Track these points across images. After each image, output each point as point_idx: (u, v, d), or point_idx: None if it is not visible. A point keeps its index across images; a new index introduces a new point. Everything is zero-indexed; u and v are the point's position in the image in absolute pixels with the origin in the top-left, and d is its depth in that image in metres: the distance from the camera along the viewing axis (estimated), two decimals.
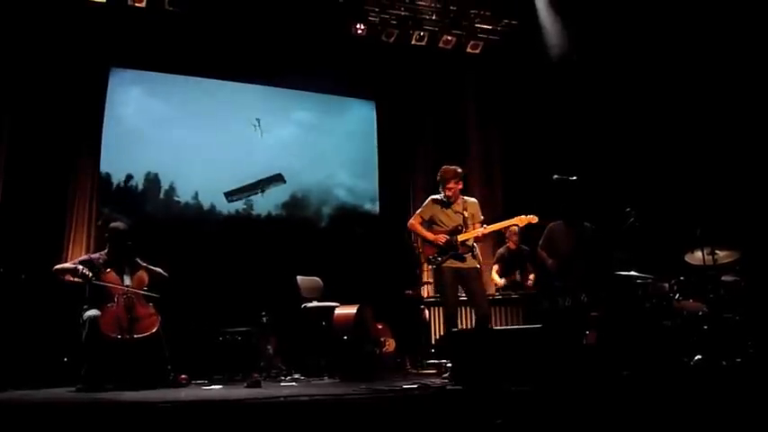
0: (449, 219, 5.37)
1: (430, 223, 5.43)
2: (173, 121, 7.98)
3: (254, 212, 8.09)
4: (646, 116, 7.35)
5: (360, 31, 8.08)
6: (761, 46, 6.49)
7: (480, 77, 8.88)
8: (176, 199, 7.85)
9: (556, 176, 5.67)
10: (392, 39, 8.22)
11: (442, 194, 5.40)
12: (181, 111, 8.05)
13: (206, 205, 7.96)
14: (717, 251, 5.63)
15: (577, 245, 5.92)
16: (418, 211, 5.53)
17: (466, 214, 5.33)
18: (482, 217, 5.41)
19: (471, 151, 8.74)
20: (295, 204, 8.35)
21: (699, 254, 5.67)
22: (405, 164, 8.92)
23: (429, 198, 5.53)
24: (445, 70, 8.75)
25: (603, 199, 6.57)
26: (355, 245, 8.46)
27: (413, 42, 8.29)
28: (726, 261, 5.74)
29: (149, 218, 7.60)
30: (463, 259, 5.27)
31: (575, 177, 5.63)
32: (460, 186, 5.40)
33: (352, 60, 8.45)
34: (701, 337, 5.25)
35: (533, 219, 5.34)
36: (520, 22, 8.29)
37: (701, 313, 5.47)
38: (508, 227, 6.49)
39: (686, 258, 5.88)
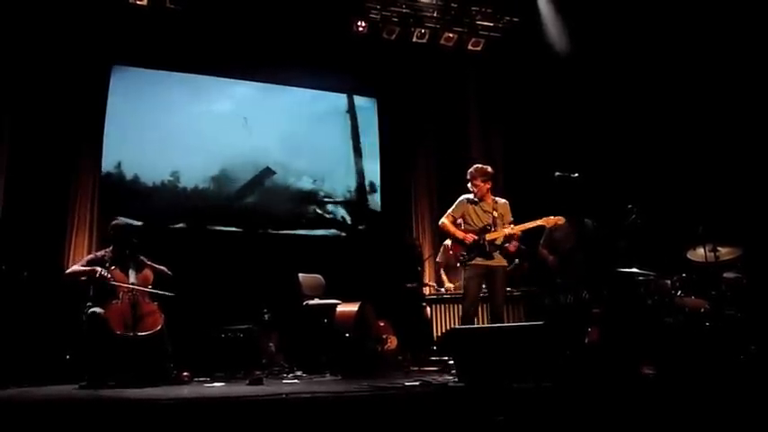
0: (478, 218, 5.49)
1: (461, 222, 5.53)
2: (172, 118, 7.97)
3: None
4: (648, 113, 7.34)
5: (361, 29, 8.07)
6: (761, 44, 6.47)
7: (481, 75, 8.86)
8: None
9: (557, 173, 5.67)
10: (393, 36, 8.21)
11: (473, 193, 5.52)
12: (180, 108, 8.04)
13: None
14: (719, 248, 5.63)
15: (578, 242, 5.92)
16: (450, 210, 5.62)
17: (495, 214, 5.45)
18: (512, 218, 5.52)
19: (472, 148, 8.73)
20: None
21: (701, 251, 5.67)
22: (406, 161, 8.92)
23: (460, 198, 5.62)
24: (446, 67, 8.74)
25: (605, 196, 6.56)
26: (357, 242, 8.49)
27: (414, 40, 8.28)
28: (727, 258, 5.74)
29: (148, 216, 7.59)
30: (491, 257, 5.37)
31: (576, 174, 5.63)
32: (489, 186, 5.51)
33: (353, 58, 8.44)
34: (702, 335, 5.25)
35: (560, 220, 5.46)
36: (521, 20, 8.28)
37: (702, 310, 5.47)
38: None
39: (688, 255, 5.87)
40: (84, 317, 5.10)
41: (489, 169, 5.55)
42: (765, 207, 6.35)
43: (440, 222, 5.67)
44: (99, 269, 5.18)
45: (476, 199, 5.51)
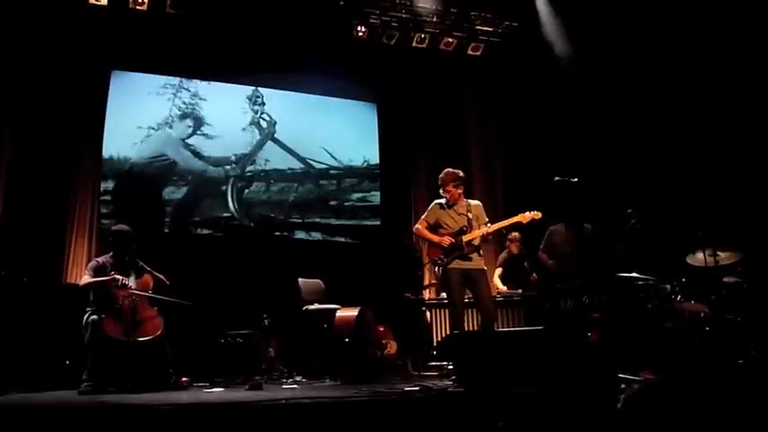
0: (453, 221, 5.42)
1: (435, 227, 5.48)
2: (170, 122, 8.00)
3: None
4: (647, 117, 7.35)
5: (361, 34, 8.09)
6: (761, 46, 6.48)
7: (481, 79, 8.89)
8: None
9: (557, 178, 5.67)
10: (393, 41, 8.23)
11: (444, 198, 5.47)
12: (179, 112, 8.06)
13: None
14: (718, 252, 5.63)
15: (578, 247, 5.92)
16: (423, 216, 5.58)
17: (470, 216, 5.39)
18: (487, 219, 5.47)
19: (472, 152, 8.75)
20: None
21: (700, 255, 5.66)
22: (405, 165, 8.94)
23: (433, 203, 5.59)
24: (446, 72, 8.76)
25: (605, 201, 6.57)
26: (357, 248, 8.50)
27: (413, 44, 8.30)
28: (727, 262, 5.74)
29: (148, 221, 7.61)
30: (469, 259, 5.31)
31: (576, 179, 5.63)
32: (461, 190, 5.46)
33: (353, 63, 8.46)
34: (702, 339, 5.24)
35: (537, 215, 5.34)
36: (520, 24, 8.29)
37: (702, 315, 5.46)
38: (510, 230, 6.50)
39: (688, 260, 5.87)
40: (85, 322, 5.10)
41: (460, 173, 5.50)
42: (765, 211, 6.35)
43: (414, 228, 5.64)
44: (119, 278, 5.18)
45: (448, 203, 5.47)
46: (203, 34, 7.68)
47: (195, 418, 3.47)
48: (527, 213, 5.35)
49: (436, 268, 5.38)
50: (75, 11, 7.13)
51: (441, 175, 5.52)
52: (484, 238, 5.36)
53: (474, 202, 5.55)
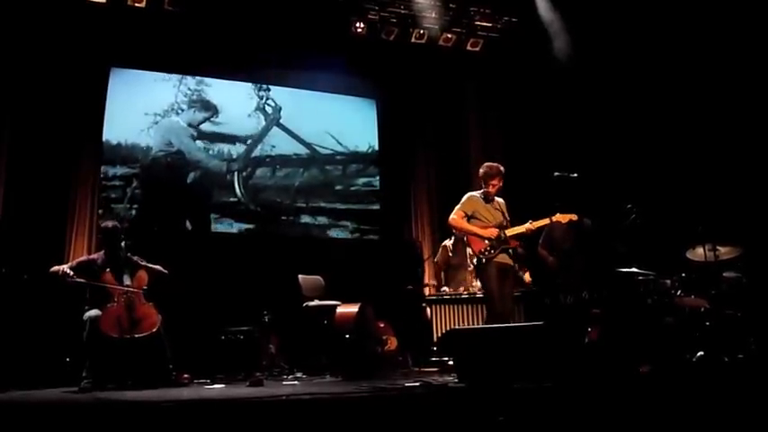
0: (491, 215, 5.39)
1: (469, 219, 5.39)
2: (176, 109, 8.00)
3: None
4: (647, 112, 7.34)
5: (360, 30, 8.06)
6: (761, 44, 6.47)
7: (480, 74, 8.86)
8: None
9: (556, 173, 5.66)
10: (392, 37, 8.21)
11: (482, 191, 5.44)
12: (185, 99, 8.05)
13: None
14: (718, 247, 5.63)
15: (578, 242, 5.92)
16: (459, 207, 5.43)
17: (503, 211, 5.42)
18: (509, 217, 5.46)
19: (471, 147, 8.73)
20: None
21: (700, 250, 5.67)
22: (405, 160, 8.93)
23: (468, 194, 5.49)
24: (445, 68, 8.74)
25: (604, 196, 6.57)
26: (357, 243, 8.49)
27: (412, 41, 8.27)
28: (727, 257, 5.74)
29: (148, 216, 7.61)
30: (509, 253, 5.31)
31: (575, 174, 5.63)
32: (501, 184, 5.44)
33: (352, 59, 8.43)
34: (702, 334, 5.25)
35: (573, 217, 5.37)
36: (519, 20, 8.27)
37: (702, 310, 5.46)
38: None
39: (687, 255, 5.87)
40: (83, 320, 5.11)
41: (502, 168, 5.47)
42: (765, 206, 6.35)
43: (450, 219, 5.43)
44: (62, 268, 5.20)
45: (485, 196, 5.44)
46: (201, 32, 7.64)
47: (196, 414, 3.48)
48: (566, 214, 5.35)
49: (483, 260, 5.23)
50: (74, 8, 7.11)
51: (483, 170, 5.47)
52: (524, 235, 5.31)
53: (501, 200, 5.55)
